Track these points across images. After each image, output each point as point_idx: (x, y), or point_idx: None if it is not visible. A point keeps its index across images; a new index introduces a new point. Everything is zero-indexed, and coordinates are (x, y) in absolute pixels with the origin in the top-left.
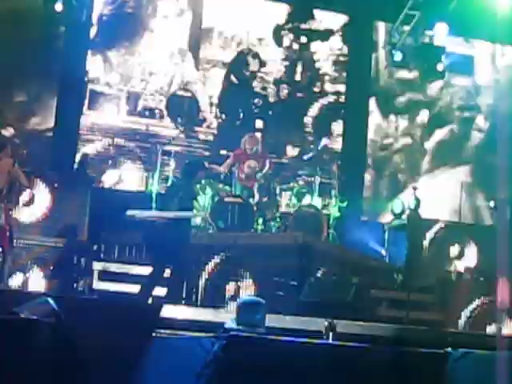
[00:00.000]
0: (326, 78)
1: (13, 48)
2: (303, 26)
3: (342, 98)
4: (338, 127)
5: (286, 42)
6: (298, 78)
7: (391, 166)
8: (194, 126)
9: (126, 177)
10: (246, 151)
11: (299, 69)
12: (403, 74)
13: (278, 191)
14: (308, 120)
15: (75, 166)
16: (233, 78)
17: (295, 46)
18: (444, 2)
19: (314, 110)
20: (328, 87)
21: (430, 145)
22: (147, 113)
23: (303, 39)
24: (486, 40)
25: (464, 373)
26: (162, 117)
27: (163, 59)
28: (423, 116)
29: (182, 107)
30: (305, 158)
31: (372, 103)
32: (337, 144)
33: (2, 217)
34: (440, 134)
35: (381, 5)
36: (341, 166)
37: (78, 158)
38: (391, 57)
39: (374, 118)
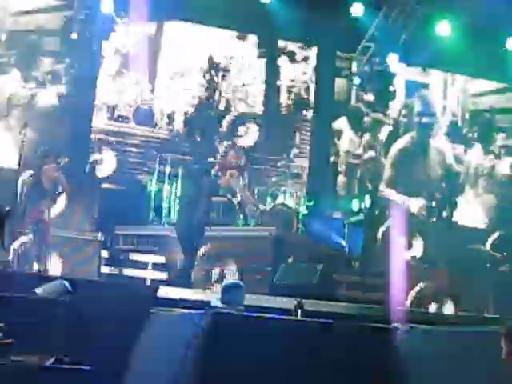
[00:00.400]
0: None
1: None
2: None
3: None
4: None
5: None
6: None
7: (360, 173)
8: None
9: (105, 159)
10: (231, 163)
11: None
12: (369, 97)
13: (256, 192)
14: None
15: (86, 170)
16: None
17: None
18: (395, 36)
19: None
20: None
21: (392, 152)
22: (120, 119)
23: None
24: (436, 69)
25: (409, 344)
26: (129, 122)
27: (131, 84)
28: (384, 133)
29: (143, 116)
30: (278, 164)
31: (344, 121)
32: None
33: (46, 213)
34: (401, 142)
35: (343, 38)
36: (309, 172)
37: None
38: (351, 81)
39: (347, 133)
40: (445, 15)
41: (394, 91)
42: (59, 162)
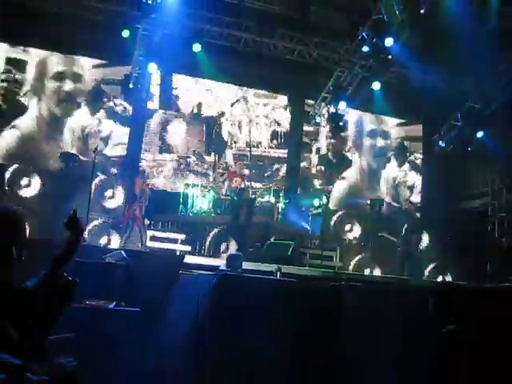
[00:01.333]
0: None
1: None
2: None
3: None
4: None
5: None
6: None
7: (309, 181)
8: None
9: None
10: (235, 172)
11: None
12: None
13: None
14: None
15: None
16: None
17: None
18: (344, 90)
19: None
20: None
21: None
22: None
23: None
24: (367, 111)
25: (351, 297)
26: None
27: None
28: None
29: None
30: (265, 175)
31: None
32: None
33: (137, 209)
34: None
35: (309, 89)
36: (285, 180)
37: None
38: (314, 120)
39: None
40: (377, 77)
41: (343, 126)
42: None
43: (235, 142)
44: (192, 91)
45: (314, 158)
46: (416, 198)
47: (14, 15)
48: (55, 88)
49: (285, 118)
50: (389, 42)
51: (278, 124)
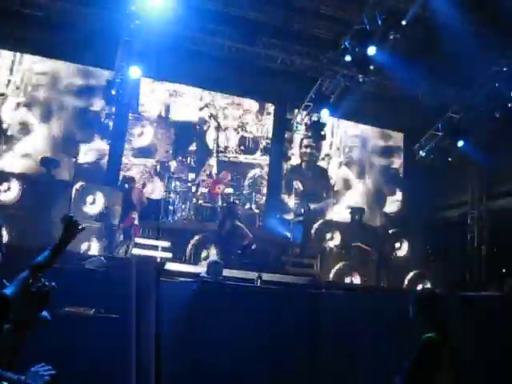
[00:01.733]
0: None
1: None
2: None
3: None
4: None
5: None
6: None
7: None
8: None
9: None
10: (218, 179)
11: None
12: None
13: (231, 200)
14: None
15: (119, 182)
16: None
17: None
18: (327, 98)
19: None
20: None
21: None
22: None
23: None
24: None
25: (332, 303)
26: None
27: None
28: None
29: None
30: (245, 183)
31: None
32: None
33: (136, 218)
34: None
35: (292, 97)
36: (267, 190)
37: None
38: (296, 128)
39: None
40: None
41: (325, 134)
42: (141, 185)
43: (219, 149)
44: (158, 95)
45: (286, 165)
46: (389, 207)
47: None
48: (76, 106)
49: (253, 124)
50: (371, 51)
51: (246, 130)
